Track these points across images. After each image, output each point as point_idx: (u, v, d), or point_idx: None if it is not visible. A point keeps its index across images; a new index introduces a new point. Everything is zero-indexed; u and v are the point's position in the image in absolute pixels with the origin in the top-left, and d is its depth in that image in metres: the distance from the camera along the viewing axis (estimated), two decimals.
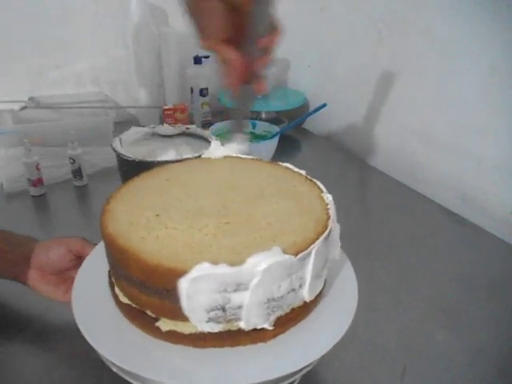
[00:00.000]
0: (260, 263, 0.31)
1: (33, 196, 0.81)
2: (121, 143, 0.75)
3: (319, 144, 1.16)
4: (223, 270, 0.31)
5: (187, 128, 0.82)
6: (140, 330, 0.37)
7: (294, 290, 0.35)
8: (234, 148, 0.50)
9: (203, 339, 0.35)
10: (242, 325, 0.33)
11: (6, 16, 1.03)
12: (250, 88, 0.47)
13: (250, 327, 0.34)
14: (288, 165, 0.47)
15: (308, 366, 0.35)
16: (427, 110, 0.89)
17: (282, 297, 0.34)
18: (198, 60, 1.08)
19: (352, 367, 0.49)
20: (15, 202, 0.81)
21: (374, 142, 1.04)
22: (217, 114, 1.15)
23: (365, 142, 1.06)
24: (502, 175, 0.76)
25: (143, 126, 0.82)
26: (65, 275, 0.48)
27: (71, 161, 0.83)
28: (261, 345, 0.35)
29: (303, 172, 0.45)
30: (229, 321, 0.33)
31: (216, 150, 0.49)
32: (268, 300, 0.33)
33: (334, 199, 0.40)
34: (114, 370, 0.36)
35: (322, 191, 0.42)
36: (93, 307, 0.39)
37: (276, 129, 0.93)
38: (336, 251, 0.41)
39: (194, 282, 0.31)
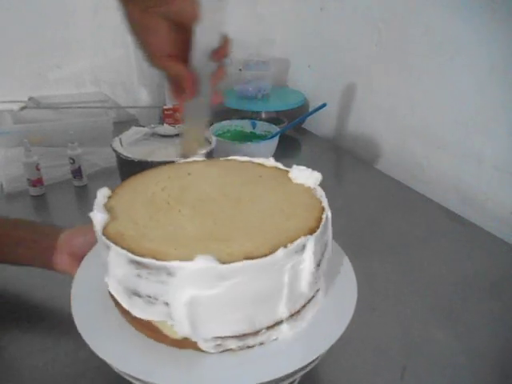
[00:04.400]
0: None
1: (33, 196, 0.81)
2: (121, 143, 0.75)
3: (319, 144, 1.16)
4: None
5: None
6: (140, 332, 0.37)
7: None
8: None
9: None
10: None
11: (6, 16, 1.03)
12: (201, 102, 0.45)
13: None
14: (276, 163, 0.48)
15: (307, 365, 0.35)
16: (427, 109, 0.89)
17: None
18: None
19: (352, 367, 0.49)
20: (15, 202, 0.80)
21: (374, 142, 1.04)
22: (216, 114, 1.15)
23: (365, 142, 1.06)
24: (502, 175, 0.76)
25: (143, 126, 0.82)
26: None
27: (71, 161, 0.83)
28: (260, 345, 0.35)
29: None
30: None
31: None
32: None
33: (333, 199, 0.40)
34: (116, 370, 0.35)
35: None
36: (92, 308, 0.39)
37: (276, 129, 0.93)
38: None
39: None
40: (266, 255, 0.32)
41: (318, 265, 0.37)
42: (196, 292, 0.32)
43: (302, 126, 1.24)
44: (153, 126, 0.82)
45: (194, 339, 0.34)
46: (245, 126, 0.97)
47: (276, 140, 0.91)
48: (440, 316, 0.57)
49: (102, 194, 0.41)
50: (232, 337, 0.34)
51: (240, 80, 1.18)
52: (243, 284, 0.32)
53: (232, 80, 1.19)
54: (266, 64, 1.17)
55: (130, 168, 0.69)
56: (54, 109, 1.06)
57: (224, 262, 0.31)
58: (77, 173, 0.84)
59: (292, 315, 0.36)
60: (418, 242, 0.72)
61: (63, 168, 0.86)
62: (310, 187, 0.42)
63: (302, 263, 0.34)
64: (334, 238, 0.44)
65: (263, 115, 1.18)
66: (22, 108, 1.01)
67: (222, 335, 0.34)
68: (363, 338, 0.52)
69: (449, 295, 0.61)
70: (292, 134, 1.16)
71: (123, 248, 0.33)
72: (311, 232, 0.35)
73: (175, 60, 0.44)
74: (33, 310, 0.55)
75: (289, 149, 1.08)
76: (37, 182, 0.81)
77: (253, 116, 1.13)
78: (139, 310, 0.35)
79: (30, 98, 1.06)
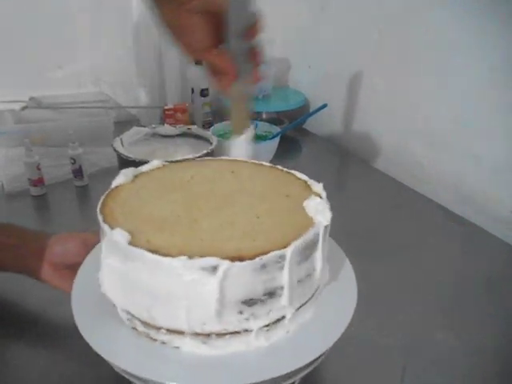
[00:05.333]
0: None
1: (33, 196, 0.81)
2: (122, 143, 0.75)
3: (320, 144, 1.16)
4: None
5: (188, 128, 0.83)
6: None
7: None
8: (238, 149, 0.51)
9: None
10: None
11: (6, 16, 1.03)
12: (244, 84, 0.48)
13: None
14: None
15: (307, 365, 0.35)
16: (427, 109, 0.89)
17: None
18: (198, 60, 1.08)
19: (352, 367, 0.49)
20: (16, 202, 0.81)
21: (374, 142, 1.04)
22: (217, 115, 1.15)
23: (365, 142, 1.06)
24: (501, 175, 0.76)
25: (144, 126, 0.82)
26: (77, 269, 0.48)
27: (72, 161, 0.83)
28: (260, 345, 0.35)
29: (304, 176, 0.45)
30: None
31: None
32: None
33: (334, 199, 0.40)
34: (116, 370, 0.36)
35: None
36: (92, 307, 0.39)
37: (277, 129, 0.93)
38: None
39: None
40: (167, 256, 0.31)
41: (247, 302, 0.33)
42: (111, 260, 0.35)
43: (303, 126, 1.24)
44: (154, 126, 0.82)
45: (113, 302, 0.37)
46: None
47: (277, 140, 0.91)
48: (440, 316, 0.57)
49: (153, 164, 0.45)
50: (137, 319, 0.35)
51: None
52: (142, 272, 0.33)
53: None
54: (266, 64, 1.17)
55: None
56: (54, 109, 1.06)
57: (132, 244, 0.32)
58: (78, 173, 0.84)
59: (198, 334, 0.34)
60: (417, 242, 0.73)
61: (64, 168, 0.86)
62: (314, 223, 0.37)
63: (206, 285, 0.31)
64: (334, 238, 0.44)
65: (264, 116, 1.18)
66: (23, 108, 1.01)
67: (130, 312, 0.36)
68: (363, 338, 0.52)
69: (448, 295, 0.61)
70: (293, 135, 1.16)
71: (101, 202, 0.38)
72: (234, 259, 0.31)
73: (211, 51, 0.46)
74: (33, 310, 0.55)
75: (289, 149, 1.08)
76: (38, 182, 0.81)
77: (253, 116, 1.13)
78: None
79: (31, 98, 1.06)
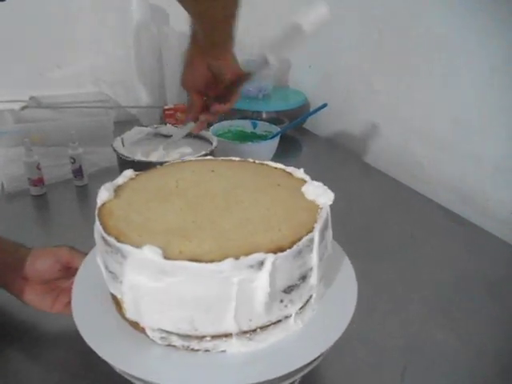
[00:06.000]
0: None
1: (33, 195, 0.81)
2: (123, 143, 0.75)
3: (320, 144, 1.16)
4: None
5: None
6: (139, 331, 0.37)
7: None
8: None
9: None
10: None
11: (6, 16, 1.03)
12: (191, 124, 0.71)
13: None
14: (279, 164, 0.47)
15: (308, 365, 0.35)
16: (427, 109, 0.89)
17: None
18: None
19: (352, 367, 0.49)
20: (16, 202, 0.81)
21: (374, 142, 1.04)
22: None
23: (365, 141, 1.06)
24: (502, 175, 0.76)
25: (145, 126, 0.82)
26: (52, 285, 0.48)
27: (72, 160, 0.83)
28: (260, 345, 0.35)
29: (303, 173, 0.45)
30: None
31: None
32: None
33: (334, 199, 0.40)
34: (117, 371, 0.36)
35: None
36: (92, 308, 0.39)
37: (276, 129, 0.93)
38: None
39: None
40: (212, 261, 0.31)
41: (286, 290, 0.34)
42: (141, 280, 0.32)
43: (303, 126, 1.24)
44: (155, 126, 0.82)
45: (141, 324, 0.35)
46: (245, 126, 0.97)
47: (277, 140, 0.91)
48: (440, 316, 0.57)
49: (126, 175, 0.44)
50: (175, 334, 0.35)
51: None
52: (184, 284, 0.32)
53: None
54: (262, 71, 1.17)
55: (130, 168, 0.69)
56: (54, 108, 1.06)
57: (169, 258, 0.31)
58: (77, 172, 0.84)
59: (245, 332, 0.35)
60: (417, 242, 0.73)
61: (64, 167, 0.86)
62: (318, 205, 0.39)
63: (255, 281, 0.32)
64: (334, 237, 0.44)
65: (264, 115, 1.18)
66: (23, 107, 1.01)
67: (166, 329, 0.34)
68: (363, 338, 0.52)
69: (449, 295, 0.61)
70: (293, 134, 1.16)
71: (100, 224, 0.36)
72: (276, 251, 0.32)
73: (198, 93, 0.66)
74: (28, 316, 0.54)
75: (289, 149, 1.08)
76: (37, 182, 0.81)
77: (253, 116, 1.13)
78: (109, 284, 0.37)
79: (31, 98, 1.06)
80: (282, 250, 0.32)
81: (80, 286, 0.41)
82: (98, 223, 0.36)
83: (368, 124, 1.06)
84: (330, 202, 0.39)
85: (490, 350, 0.52)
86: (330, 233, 0.40)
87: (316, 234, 0.35)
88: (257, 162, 0.48)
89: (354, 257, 0.45)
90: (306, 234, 0.34)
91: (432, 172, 0.90)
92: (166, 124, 0.84)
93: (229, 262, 0.31)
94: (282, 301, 0.35)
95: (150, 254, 0.31)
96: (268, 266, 0.31)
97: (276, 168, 0.46)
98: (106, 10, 1.11)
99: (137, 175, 0.45)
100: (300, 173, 0.45)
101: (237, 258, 0.31)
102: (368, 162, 1.04)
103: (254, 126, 0.96)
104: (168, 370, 0.34)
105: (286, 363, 0.34)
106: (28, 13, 1.04)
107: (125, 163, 0.70)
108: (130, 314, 0.35)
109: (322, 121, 1.16)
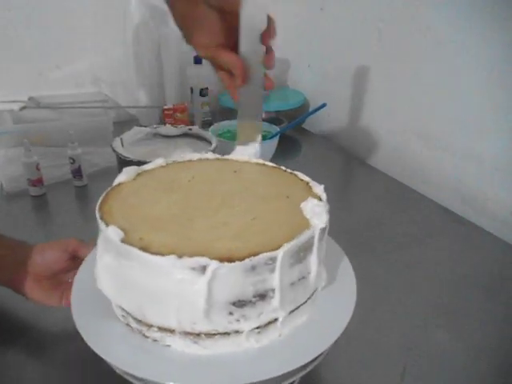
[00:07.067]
0: None
1: (33, 196, 0.81)
2: (122, 143, 0.75)
3: (319, 144, 1.16)
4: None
5: (189, 129, 0.83)
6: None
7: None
8: (245, 151, 0.50)
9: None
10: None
11: (6, 16, 1.03)
12: (254, 88, 0.46)
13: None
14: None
15: (307, 365, 0.35)
16: (427, 109, 0.89)
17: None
18: (198, 60, 1.08)
19: (352, 367, 0.49)
20: (15, 202, 0.80)
21: (374, 142, 1.04)
22: (217, 114, 1.15)
23: (365, 141, 1.06)
24: (502, 175, 0.76)
25: (145, 126, 0.82)
26: (59, 279, 0.48)
27: (71, 161, 0.83)
28: (260, 345, 0.35)
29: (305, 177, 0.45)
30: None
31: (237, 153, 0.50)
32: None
33: (333, 199, 0.40)
34: (117, 371, 0.35)
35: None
36: (92, 309, 0.39)
37: (276, 129, 0.93)
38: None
39: None
40: (158, 254, 0.31)
41: (236, 303, 0.33)
42: (107, 258, 0.35)
43: (302, 125, 1.24)
44: (155, 126, 0.82)
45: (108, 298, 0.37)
46: None
47: (276, 140, 0.91)
48: (440, 316, 0.57)
49: (156, 162, 0.45)
50: (131, 316, 0.36)
51: None
52: (134, 270, 0.33)
53: None
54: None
55: None
56: (53, 109, 1.06)
57: (125, 242, 0.33)
58: (77, 172, 0.84)
59: (189, 333, 0.34)
60: (417, 242, 0.72)
61: (63, 168, 0.86)
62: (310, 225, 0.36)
63: (195, 284, 0.31)
64: (333, 237, 0.44)
65: (263, 115, 1.18)
66: (22, 108, 1.01)
67: (125, 308, 0.36)
68: (363, 338, 0.52)
69: (448, 295, 0.61)
70: (292, 134, 1.16)
71: (100, 201, 0.38)
72: (224, 260, 0.31)
73: (224, 49, 0.45)
74: (28, 316, 0.55)
75: (289, 149, 1.08)
76: (37, 182, 0.81)
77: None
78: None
79: (30, 98, 1.06)
80: (230, 260, 0.31)
81: (80, 285, 0.41)
82: (100, 199, 0.39)
83: (368, 124, 1.06)
84: (322, 225, 0.35)
85: (490, 349, 0.52)
86: (314, 258, 0.36)
87: (280, 254, 0.32)
88: (288, 170, 0.46)
89: (353, 256, 0.45)
90: (269, 251, 0.32)
91: (432, 172, 0.90)
92: (165, 124, 0.84)
93: (171, 259, 0.31)
94: (231, 313, 0.33)
95: (111, 234, 0.33)
96: (208, 272, 0.31)
97: (302, 180, 0.44)
98: (106, 10, 1.10)
99: (168, 164, 0.46)
100: (319, 189, 0.42)
101: (180, 256, 0.31)
102: (368, 162, 1.04)
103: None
104: (121, 350, 0.35)
105: (285, 363, 0.33)
106: (28, 13, 1.04)
107: (124, 163, 0.70)
108: (99, 284, 0.37)
109: (322, 121, 1.16)
